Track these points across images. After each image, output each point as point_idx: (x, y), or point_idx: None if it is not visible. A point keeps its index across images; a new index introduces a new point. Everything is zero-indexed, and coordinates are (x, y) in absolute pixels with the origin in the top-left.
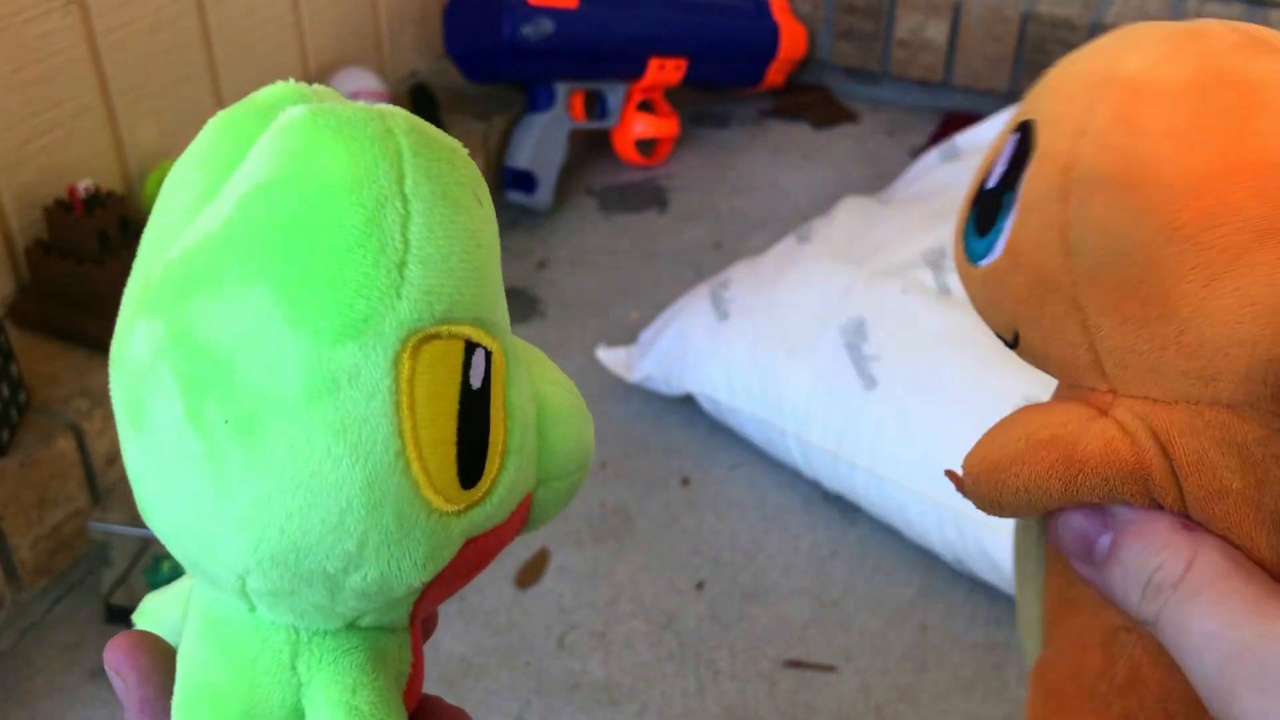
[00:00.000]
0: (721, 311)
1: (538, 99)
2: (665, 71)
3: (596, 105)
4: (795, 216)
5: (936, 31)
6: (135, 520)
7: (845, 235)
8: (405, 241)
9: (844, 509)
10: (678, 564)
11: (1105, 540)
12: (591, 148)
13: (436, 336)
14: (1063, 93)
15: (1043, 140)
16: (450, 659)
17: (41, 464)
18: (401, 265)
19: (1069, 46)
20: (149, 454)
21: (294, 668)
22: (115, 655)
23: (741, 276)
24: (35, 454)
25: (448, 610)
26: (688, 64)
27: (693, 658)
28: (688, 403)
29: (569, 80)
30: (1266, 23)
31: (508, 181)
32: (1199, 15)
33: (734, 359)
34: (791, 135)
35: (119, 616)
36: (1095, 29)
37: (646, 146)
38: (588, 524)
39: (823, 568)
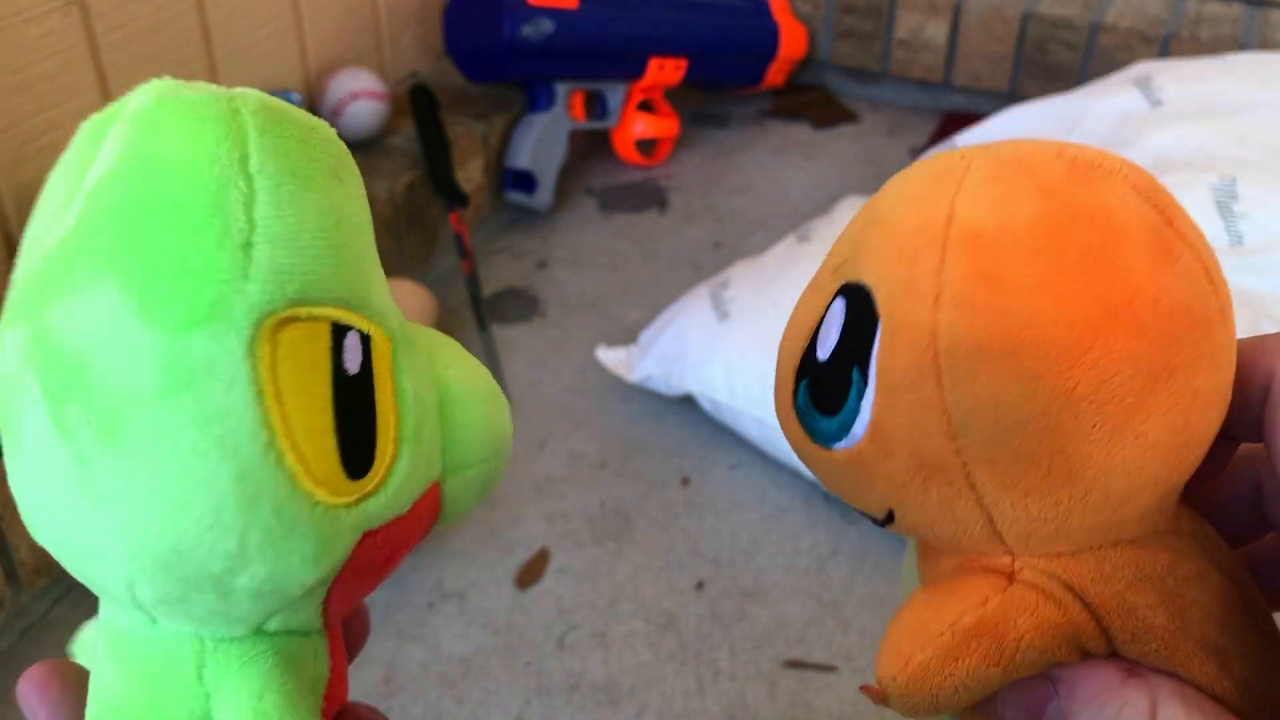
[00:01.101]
0: (722, 311)
1: (537, 99)
2: (665, 72)
3: (596, 105)
4: (795, 216)
5: (936, 31)
6: None
7: None
8: (250, 222)
9: (844, 509)
10: (678, 564)
11: (1055, 707)
12: (591, 148)
13: (295, 319)
14: (894, 250)
15: (887, 308)
16: (450, 659)
17: None
18: (247, 246)
19: (1069, 46)
20: (23, 466)
21: (200, 678)
22: (26, 688)
23: (741, 276)
24: None
25: (448, 611)
26: (688, 64)
27: (693, 657)
28: (688, 403)
29: (569, 80)
30: (1266, 24)
31: (508, 181)
32: (1199, 16)
33: (734, 359)
34: (791, 135)
35: None
36: (1095, 29)
37: (646, 146)
38: (587, 524)
39: (823, 567)
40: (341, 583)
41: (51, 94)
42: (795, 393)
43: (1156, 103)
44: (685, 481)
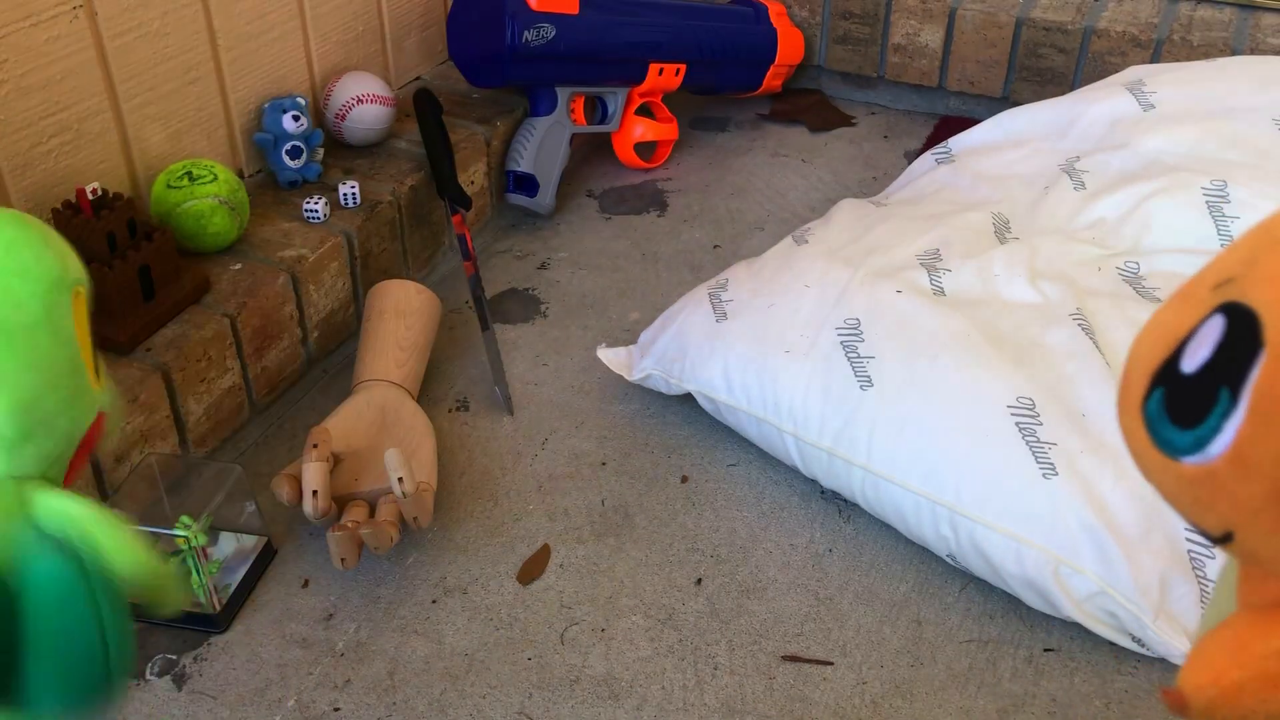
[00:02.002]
0: (720, 312)
1: (539, 103)
2: (665, 76)
3: (597, 109)
4: (792, 218)
5: (931, 37)
6: (144, 518)
7: (842, 237)
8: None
9: (841, 506)
10: (677, 560)
11: None
12: (592, 151)
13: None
14: None
15: (1275, 337)
16: (453, 654)
17: None
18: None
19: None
20: None
21: (17, 490)
22: None
23: (740, 278)
24: None
25: (451, 606)
26: (687, 69)
27: (692, 652)
28: (687, 402)
29: (570, 85)
30: (1257, 28)
31: (509, 184)
32: (1191, 21)
33: (732, 359)
34: (789, 139)
35: None
36: (1088, 33)
37: (646, 150)
38: (588, 521)
39: (819, 564)
40: (81, 448)
41: (60, 97)
42: (1146, 398)
43: (1149, 106)
44: (684, 479)
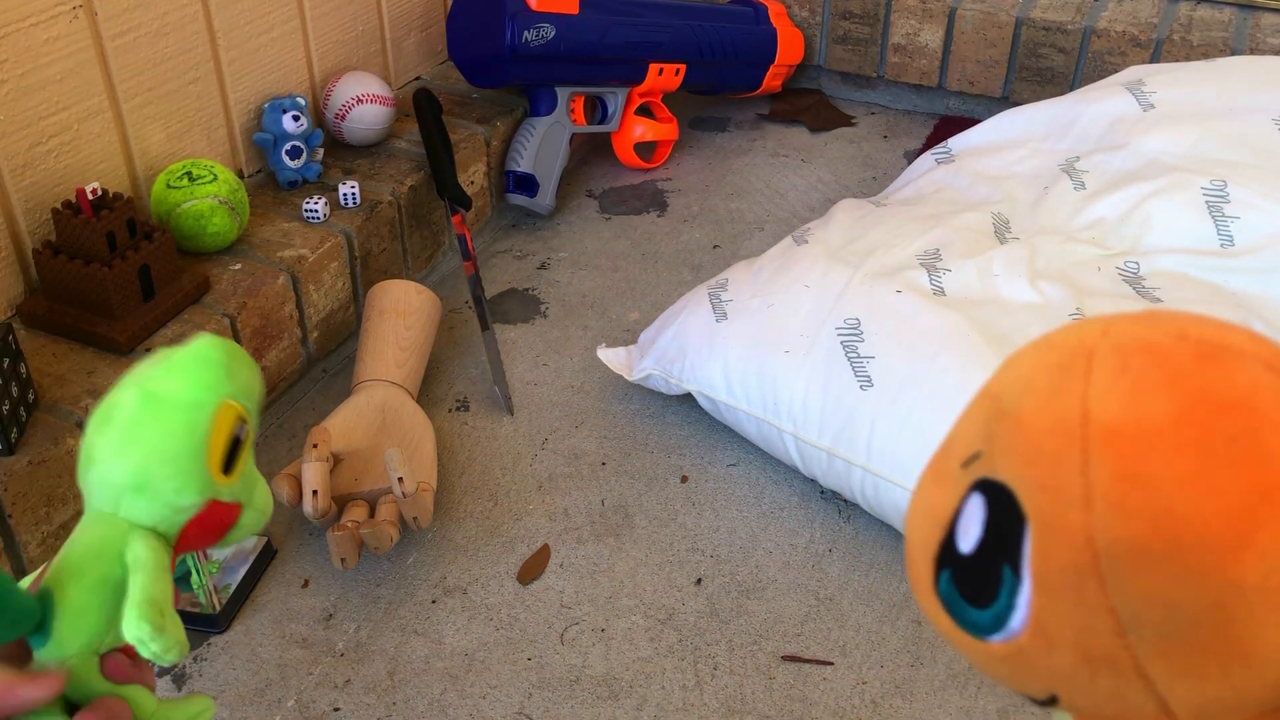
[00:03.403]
0: (720, 312)
1: (539, 103)
2: (665, 77)
3: (597, 109)
4: (792, 218)
5: (931, 37)
6: None
7: (841, 237)
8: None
9: (840, 506)
10: (677, 560)
11: None
12: (592, 151)
13: (229, 406)
14: (1031, 450)
15: (1035, 509)
16: (454, 654)
17: (50, 462)
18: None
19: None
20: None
21: (126, 533)
22: None
23: (739, 278)
24: (44, 453)
25: (451, 606)
26: (687, 69)
27: (691, 652)
28: (687, 401)
29: (570, 85)
30: (1256, 28)
31: (509, 185)
32: (1190, 21)
33: (732, 359)
34: (788, 139)
35: None
36: (1087, 33)
37: (646, 150)
38: (588, 521)
39: (819, 564)
40: (195, 522)
41: (60, 97)
42: (936, 580)
43: (1148, 106)
44: (684, 479)
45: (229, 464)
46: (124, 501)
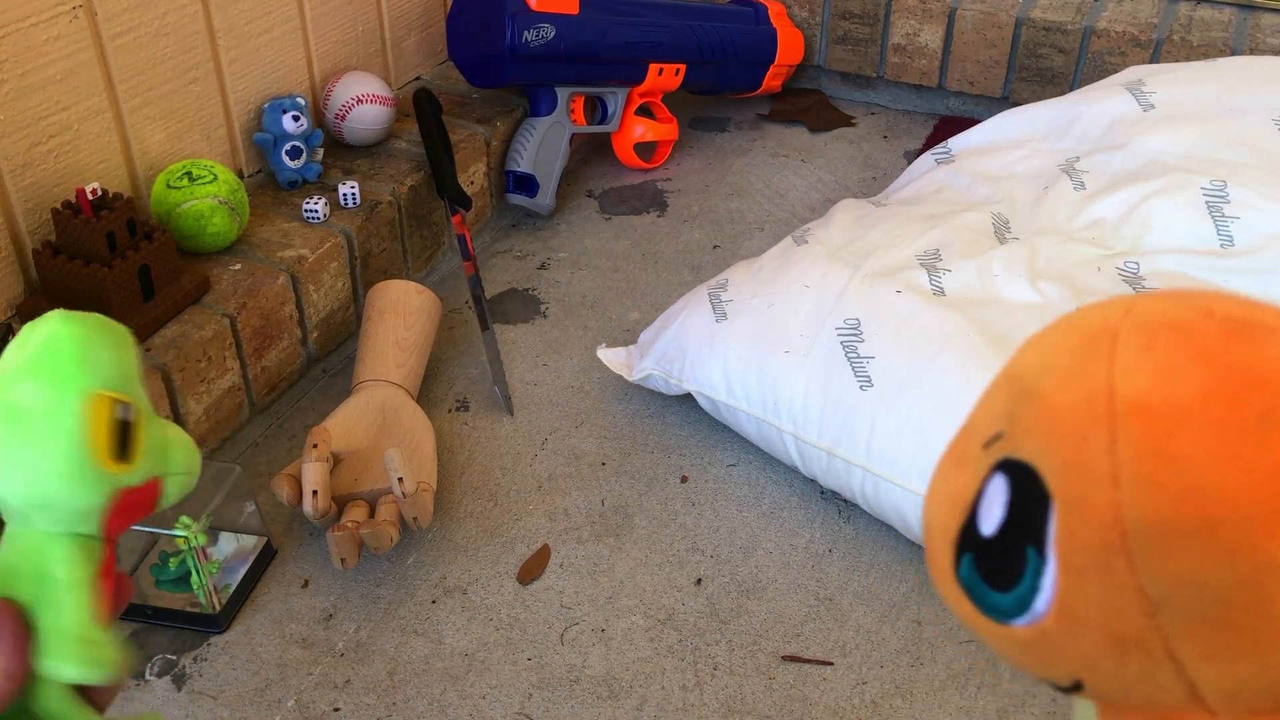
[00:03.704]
0: (720, 312)
1: (539, 103)
2: (665, 77)
3: (597, 110)
4: (792, 219)
5: (931, 37)
6: (144, 519)
7: (841, 237)
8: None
9: (840, 506)
10: (677, 560)
11: None
12: (592, 151)
13: (103, 396)
14: (1056, 428)
15: (1060, 487)
16: (454, 654)
17: None
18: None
19: (1062, 51)
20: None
21: (41, 545)
22: None
23: (739, 278)
24: None
25: (451, 606)
26: (687, 69)
27: (691, 652)
28: (687, 402)
29: (570, 85)
30: (1256, 28)
31: (509, 185)
32: (1190, 21)
33: (732, 359)
34: (788, 139)
35: (125, 613)
36: (1087, 33)
37: (646, 150)
38: (588, 521)
39: (819, 564)
40: (114, 514)
41: (60, 97)
42: (956, 565)
43: (1148, 106)
44: (684, 479)
45: (124, 450)
46: (32, 518)
